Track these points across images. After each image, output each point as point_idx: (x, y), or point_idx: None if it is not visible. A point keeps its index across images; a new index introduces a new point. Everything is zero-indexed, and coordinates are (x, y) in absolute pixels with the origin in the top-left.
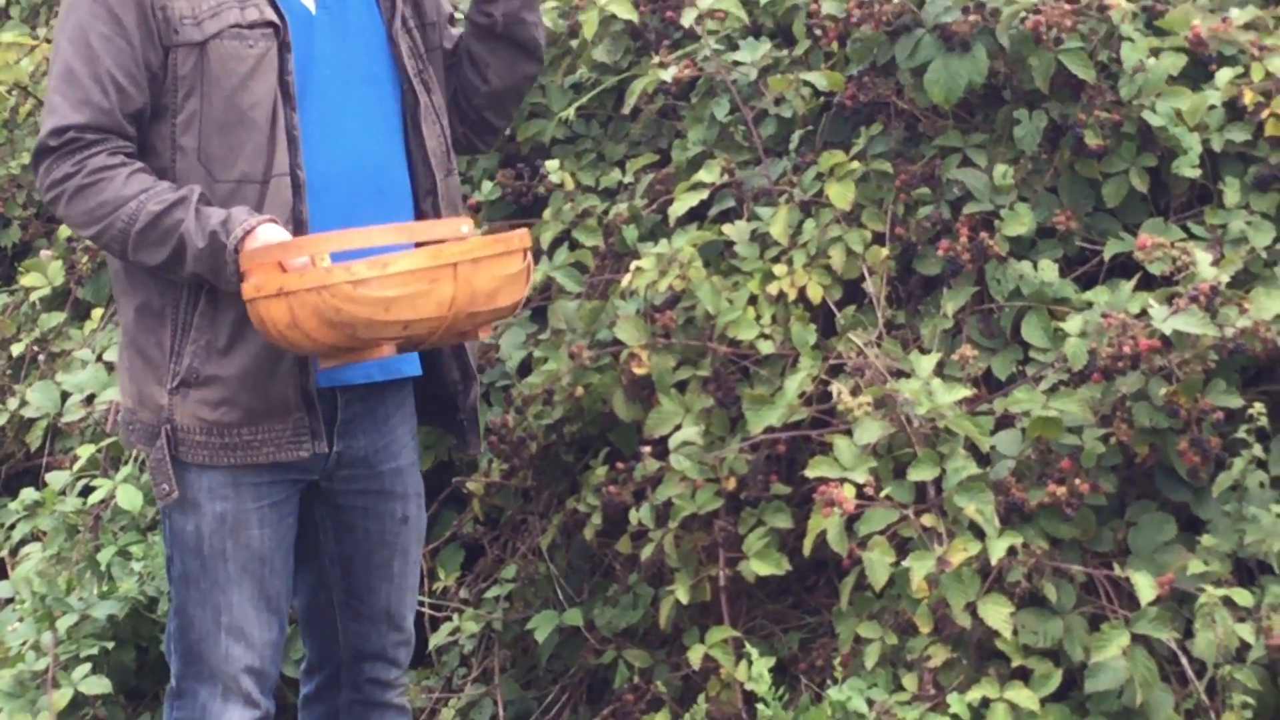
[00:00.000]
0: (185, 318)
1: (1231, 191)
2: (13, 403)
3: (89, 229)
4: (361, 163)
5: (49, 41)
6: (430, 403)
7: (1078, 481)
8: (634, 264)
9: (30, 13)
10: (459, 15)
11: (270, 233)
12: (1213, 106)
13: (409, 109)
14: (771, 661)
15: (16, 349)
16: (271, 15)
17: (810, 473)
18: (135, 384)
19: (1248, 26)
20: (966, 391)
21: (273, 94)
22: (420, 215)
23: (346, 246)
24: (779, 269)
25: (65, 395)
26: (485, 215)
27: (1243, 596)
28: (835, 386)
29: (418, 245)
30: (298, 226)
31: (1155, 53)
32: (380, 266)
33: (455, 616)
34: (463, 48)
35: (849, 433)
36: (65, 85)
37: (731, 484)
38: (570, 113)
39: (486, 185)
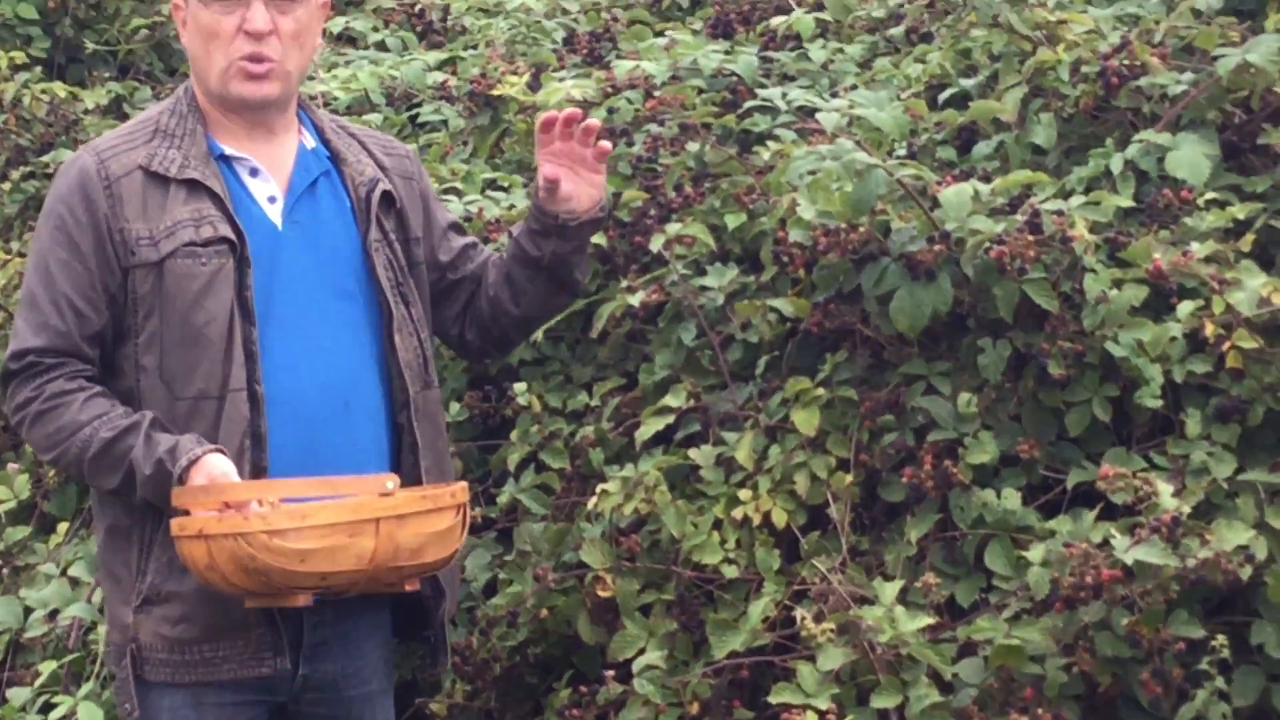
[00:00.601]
0: (149, 537)
1: (1193, 422)
2: None
3: (49, 454)
4: (327, 376)
5: (22, 255)
6: (400, 618)
7: (1040, 711)
8: (600, 487)
9: (4, 226)
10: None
11: (216, 463)
12: (1174, 338)
13: (384, 322)
14: None
15: None
16: (227, 232)
17: (773, 698)
18: (108, 605)
19: (1208, 260)
20: (929, 619)
21: (228, 310)
22: (396, 429)
23: (269, 495)
24: (744, 494)
25: (28, 610)
26: (453, 436)
27: None
28: (799, 612)
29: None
30: (256, 443)
31: (1118, 284)
32: (299, 518)
33: None
34: (503, 268)
35: (812, 659)
36: (27, 309)
37: (695, 709)
38: (538, 335)
39: (454, 407)
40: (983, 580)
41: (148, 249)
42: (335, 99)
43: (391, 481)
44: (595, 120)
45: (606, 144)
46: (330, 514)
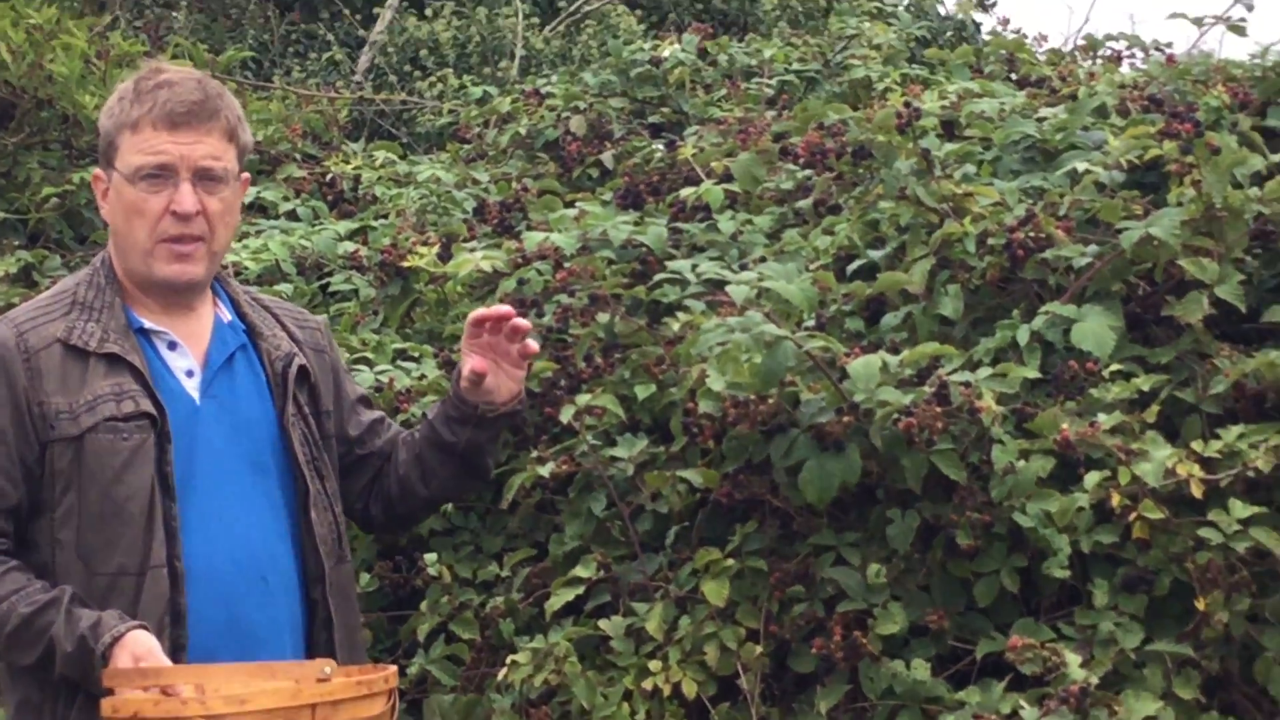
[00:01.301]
0: (62, 713)
1: (1101, 592)
2: None
3: None
4: (245, 552)
5: None
6: None
7: None
8: (510, 658)
9: None
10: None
11: (140, 639)
12: (1081, 508)
13: (300, 496)
14: None
15: None
16: (149, 407)
17: None
18: None
19: (1114, 430)
20: None
21: (149, 485)
22: (310, 604)
23: (203, 680)
24: (654, 665)
25: None
26: (362, 606)
27: None
28: None
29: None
30: (175, 618)
31: (1025, 455)
32: (237, 704)
33: None
34: (414, 448)
35: None
36: None
37: None
38: (449, 505)
39: (364, 577)
40: None
41: (67, 423)
42: (246, 269)
43: (329, 666)
44: (525, 321)
45: (534, 344)
46: (268, 699)
